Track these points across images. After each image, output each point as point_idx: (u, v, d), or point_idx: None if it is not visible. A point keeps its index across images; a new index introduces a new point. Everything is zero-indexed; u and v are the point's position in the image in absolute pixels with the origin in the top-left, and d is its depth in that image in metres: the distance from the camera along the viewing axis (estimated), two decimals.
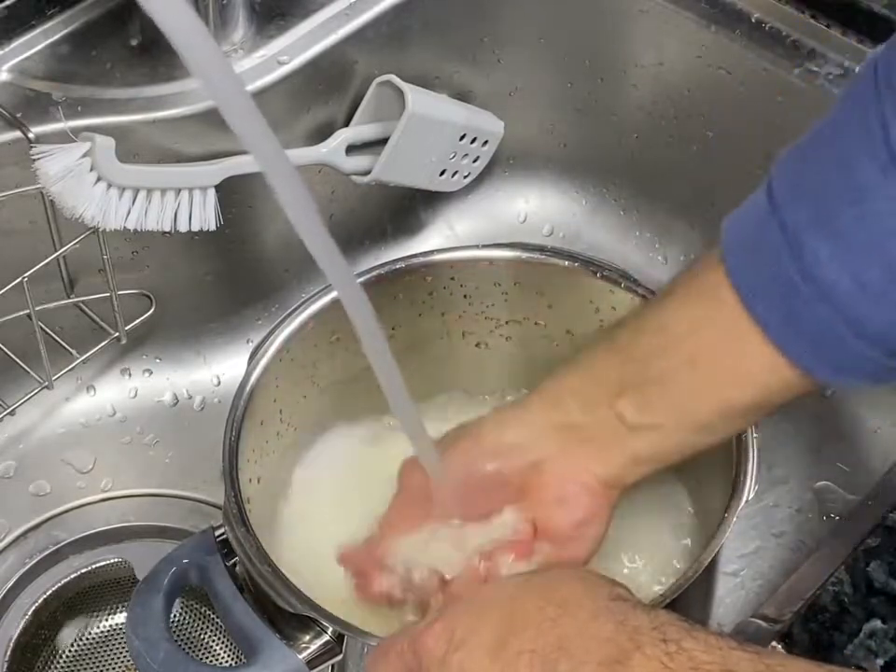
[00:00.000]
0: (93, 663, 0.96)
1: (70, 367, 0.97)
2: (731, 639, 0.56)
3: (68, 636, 0.96)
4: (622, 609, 0.57)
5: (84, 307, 0.98)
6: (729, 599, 0.92)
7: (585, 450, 0.72)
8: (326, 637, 0.70)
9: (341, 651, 0.70)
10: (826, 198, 0.64)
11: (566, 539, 0.74)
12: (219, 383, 1.05)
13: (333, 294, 0.80)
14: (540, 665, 0.56)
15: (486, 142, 1.07)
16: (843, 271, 0.63)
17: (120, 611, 0.97)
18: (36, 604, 0.94)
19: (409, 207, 1.11)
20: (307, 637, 0.70)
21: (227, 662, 0.95)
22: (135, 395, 1.04)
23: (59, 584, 0.95)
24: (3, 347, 0.96)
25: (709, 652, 0.54)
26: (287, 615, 0.71)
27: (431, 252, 0.88)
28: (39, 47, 0.95)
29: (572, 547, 0.73)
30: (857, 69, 0.95)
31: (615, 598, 0.59)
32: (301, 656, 0.70)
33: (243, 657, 0.90)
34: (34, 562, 0.95)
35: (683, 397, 0.70)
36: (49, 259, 0.92)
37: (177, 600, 0.95)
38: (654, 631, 0.55)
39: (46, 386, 0.97)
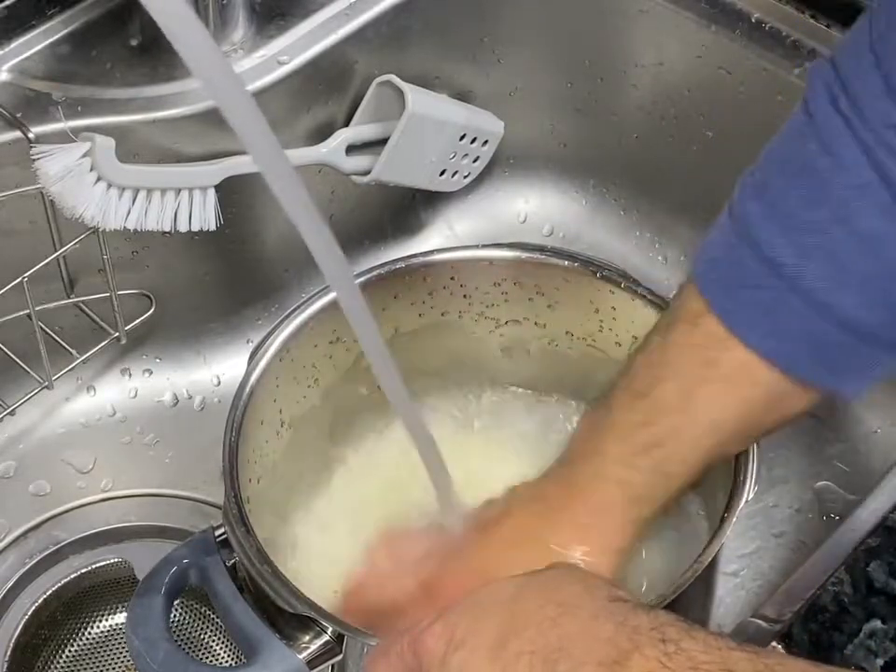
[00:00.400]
0: (93, 663, 0.96)
1: (70, 367, 0.97)
2: (730, 639, 0.56)
3: (68, 636, 0.96)
4: (621, 610, 0.57)
5: (84, 307, 0.98)
6: (729, 599, 0.92)
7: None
8: (326, 637, 0.70)
9: (341, 651, 0.70)
10: (797, 215, 0.66)
11: None
12: (219, 383, 1.05)
13: (333, 294, 0.80)
14: (540, 665, 0.56)
15: (486, 142, 1.07)
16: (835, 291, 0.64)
17: (120, 611, 0.97)
18: (36, 604, 0.94)
19: (409, 207, 1.11)
20: (307, 638, 0.70)
21: (227, 662, 0.95)
22: (135, 395, 1.04)
23: (59, 584, 0.95)
24: (3, 347, 0.96)
25: (708, 652, 0.54)
26: (286, 615, 0.71)
27: (431, 252, 0.88)
28: (39, 47, 0.95)
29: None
30: None
31: (614, 599, 0.59)
32: (300, 656, 0.70)
33: (243, 657, 0.91)
34: (34, 562, 0.95)
35: (683, 450, 0.72)
36: (49, 258, 0.92)
37: (178, 600, 0.95)
38: (653, 631, 0.55)
39: (46, 386, 0.97)
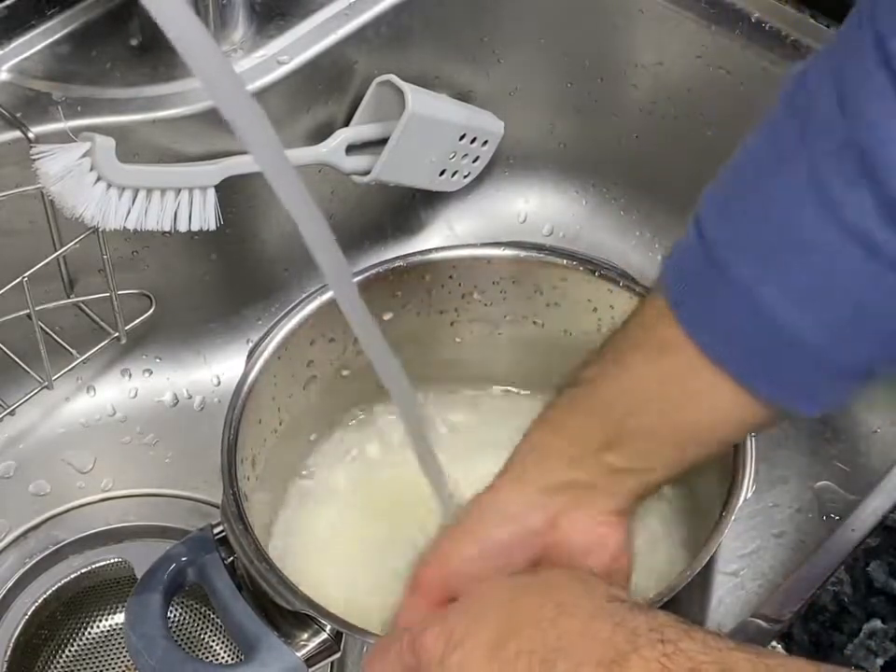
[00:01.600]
0: (93, 663, 0.96)
1: (70, 367, 0.97)
2: (729, 640, 0.55)
3: (68, 636, 0.96)
4: (619, 611, 0.57)
5: (84, 307, 0.98)
6: (729, 599, 0.92)
7: (590, 496, 0.71)
8: (324, 636, 0.70)
9: (339, 649, 0.70)
10: (760, 239, 0.64)
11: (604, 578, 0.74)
12: (219, 383, 1.05)
13: (330, 293, 0.80)
14: (539, 666, 0.56)
15: (486, 142, 1.07)
16: (799, 310, 0.63)
17: (120, 611, 0.97)
18: (36, 604, 0.94)
19: (409, 207, 1.11)
20: (305, 635, 0.70)
21: (226, 660, 0.95)
22: (135, 395, 1.04)
23: (59, 584, 0.95)
24: (3, 347, 0.96)
25: (708, 653, 0.54)
26: (285, 613, 0.71)
27: (429, 251, 0.88)
28: (39, 47, 0.95)
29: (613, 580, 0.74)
30: None
31: (612, 599, 0.59)
32: (299, 654, 0.70)
33: (241, 655, 0.91)
34: (34, 562, 0.95)
35: (665, 445, 0.70)
36: (49, 258, 0.92)
37: (176, 599, 0.95)
38: (652, 632, 0.55)
39: (46, 386, 0.97)
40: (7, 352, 0.96)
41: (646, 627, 0.56)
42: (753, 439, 0.76)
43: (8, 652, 0.91)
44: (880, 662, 0.68)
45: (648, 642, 0.55)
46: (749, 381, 0.66)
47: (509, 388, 0.90)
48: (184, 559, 0.74)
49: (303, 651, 0.70)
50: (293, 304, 0.83)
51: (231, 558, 0.74)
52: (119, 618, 0.97)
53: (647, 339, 0.69)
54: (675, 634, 0.55)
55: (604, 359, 0.72)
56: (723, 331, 0.66)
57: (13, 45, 0.95)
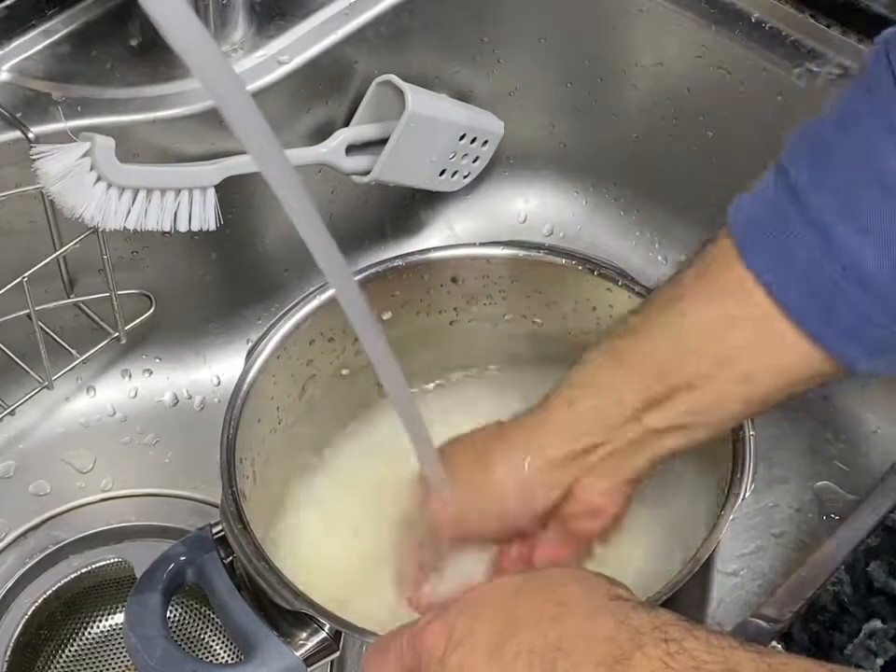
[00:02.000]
0: (93, 662, 0.96)
1: (70, 367, 0.97)
2: (732, 639, 0.55)
3: (68, 635, 0.96)
4: (622, 609, 0.57)
5: (84, 307, 0.98)
6: (728, 599, 0.92)
7: (611, 464, 0.72)
8: (323, 634, 0.70)
9: (338, 648, 0.70)
10: (853, 187, 0.64)
11: (594, 537, 0.75)
12: (219, 383, 1.05)
13: (330, 292, 0.80)
14: (539, 665, 0.56)
15: (486, 142, 1.07)
16: (877, 256, 0.63)
17: (120, 611, 0.97)
18: (36, 604, 0.94)
19: (409, 207, 1.11)
20: (304, 635, 0.70)
21: (225, 660, 0.95)
22: (135, 395, 1.04)
23: (59, 584, 0.95)
24: (3, 347, 0.96)
25: (711, 652, 0.54)
26: (284, 612, 0.71)
27: (428, 250, 0.88)
28: (39, 47, 0.95)
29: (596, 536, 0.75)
30: (857, 68, 0.95)
31: (614, 598, 0.58)
32: (298, 653, 0.70)
33: (240, 655, 0.91)
34: (34, 562, 0.95)
35: (713, 399, 0.69)
36: (49, 258, 0.92)
37: (176, 599, 0.95)
38: (656, 631, 0.55)
39: (46, 386, 0.97)
40: (7, 352, 0.96)
41: (649, 626, 0.56)
42: (753, 438, 0.76)
43: (8, 652, 0.91)
44: (880, 662, 0.68)
45: (651, 641, 0.55)
46: (813, 327, 0.65)
47: (507, 387, 0.90)
48: (182, 559, 0.74)
49: (302, 651, 0.70)
50: (291, 304, 0.83)
51: (230, 558, 0.74)
52: (119, 618, 0.97)
53: (708, 283, 0.69)
54: (679, 633, 0.55)
55: (651, 308, 0.71)
56: (794, 273, 0.65)
57: (13, 45, 0.95)
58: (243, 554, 0.72)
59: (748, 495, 0.74)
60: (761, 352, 0.68)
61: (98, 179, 0.88)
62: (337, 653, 0.70)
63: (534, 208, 1.14)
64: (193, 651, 0.95)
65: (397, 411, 0.68)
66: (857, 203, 0.64)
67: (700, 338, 0.69)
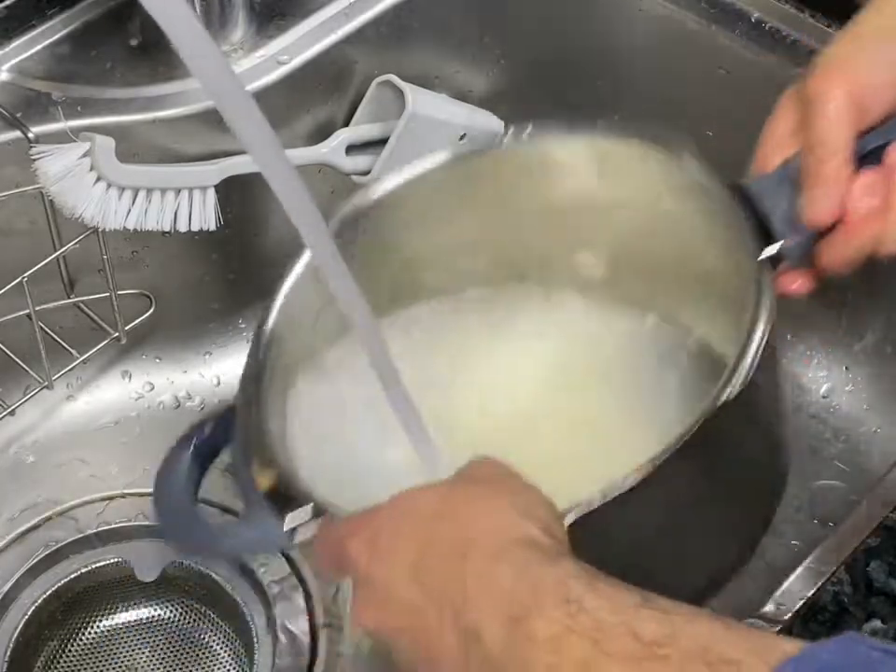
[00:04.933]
0: (93, 662, 0.96)
1: (70, 367, 0.98)
2: (637, 593, 0.53)
3: (68, 635, 0.96)
4: (524, 556, 0.56)
5: (84, 307, 0.98)
6: (728, 599, 0.92)
7: None
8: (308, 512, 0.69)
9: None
10: None
11: None
12: (220, 383, 1.05)
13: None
14: (450, 614, 0.55)
15: None
16: None
17: (120, 611, 0.97)
18: (36, 604, 0.94)
19: None
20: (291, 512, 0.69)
21: (226, 661, 0.95)
22: (135, 395, 1.04)
23: (59, 584, 0.95)
24: (3, 347, 0.96)
25: (614, 611, 0.52)
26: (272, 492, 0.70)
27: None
28: (39, 47, 0.95)
29: None
30: None
31: (520, 539, 0.56)
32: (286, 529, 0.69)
33: (242, 650, 0.91)
34: (34, 562, 0.95)
35: None
36: (49, 258, 0.92)
37: (176, 599, 0.96)
38: (559, 586, 0.54)
39: (46, 386, 0.97)
40: (7, 352, 0.96)
41: (552, 581, 0.54)
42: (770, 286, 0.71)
43: (8, 652, 0.91)
44: None
45: (552, 601, 0.53)
46: None
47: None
48: (211, 425, 0.75)
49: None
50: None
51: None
52: (119, 618, 0.97)
53: None
54: (581, 588, 0.53)
55: None
56: None
57: (13, 45, 0.95)
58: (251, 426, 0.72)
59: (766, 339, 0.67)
60: None
61: (98, 179, 0.88)
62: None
63: None
64: (193, 651, 0.95)
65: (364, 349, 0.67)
66: None
67: None
